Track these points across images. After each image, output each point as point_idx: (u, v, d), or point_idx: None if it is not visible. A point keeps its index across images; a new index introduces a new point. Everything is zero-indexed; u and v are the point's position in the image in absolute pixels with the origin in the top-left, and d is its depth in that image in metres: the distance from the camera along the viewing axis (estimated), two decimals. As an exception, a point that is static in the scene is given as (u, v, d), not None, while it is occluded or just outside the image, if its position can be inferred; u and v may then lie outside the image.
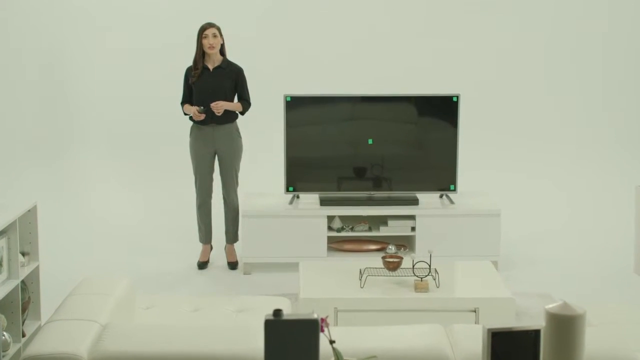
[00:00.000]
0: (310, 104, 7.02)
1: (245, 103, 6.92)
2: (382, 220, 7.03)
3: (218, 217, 7.21)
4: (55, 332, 3.76)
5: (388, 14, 8.38)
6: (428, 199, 7.12)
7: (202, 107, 6.76)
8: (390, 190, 7.07)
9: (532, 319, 5.90)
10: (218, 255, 7.21)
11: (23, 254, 5.18)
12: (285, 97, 6.96)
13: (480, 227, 6.92)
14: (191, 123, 6.96)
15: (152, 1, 8.31)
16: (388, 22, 8.39)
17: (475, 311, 5.34)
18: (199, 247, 7.19)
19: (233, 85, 6.89)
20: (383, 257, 5.64)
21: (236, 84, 6.90)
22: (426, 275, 5.51)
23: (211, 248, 7.19)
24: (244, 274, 6.93)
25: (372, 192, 7.08)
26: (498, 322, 3.09)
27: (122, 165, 8.39)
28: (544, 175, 8.44)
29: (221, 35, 6.83)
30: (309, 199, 7.13)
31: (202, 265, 7.08)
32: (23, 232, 5.18)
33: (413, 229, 6.95)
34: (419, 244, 6.90)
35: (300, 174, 7.04)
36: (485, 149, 8.44)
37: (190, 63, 6.92)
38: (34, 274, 5.28)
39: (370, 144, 7.02)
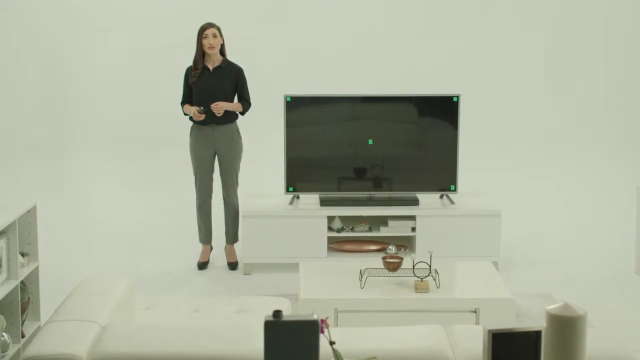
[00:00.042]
0: (310, 104, 7.01)
1: (246, 103, 6.91)
2: (383, 221, 7.03)
3: (218, 217, 7.21)
4: (55, 333, 3.76)
5: (388, 14, 8.38)
6: (428, 199, 7.11)
7: (202, 108, 6.76)
8: (391, 190, 7.06)
9: (533, 320, 5.89)
10: (218, 256, 7.20)
11: (23, 255, 5.18)
12: (285, 97, 6.96)
13: (481, 227, 6.91)
14: (191, 123, 6.95)
15: (152, 1, 8.30)
16: (388, 22, 8.38)
17: (475, 312, 5.33)
18: (199, 247, 7.19)
19: (233, 86, 6.89)
20: (383, 258, 5.64)
21: (236, 84, 6.89)
22: (426, 276, 5.50)
23: (211, 248, 7.18)
24: (244, 274, 6.92)
25: (372, 193, 7.07)
26: (498, 322, 3.08)
27: (122, 166, 8.39)
28: (544, 175, 8.44)
29: (221, 35, 6.82)
30: (309, 200, 7.13)
31: (202, 265, 7.07)
32: (23, 233, 5.18)
33: (413, 229, 6.94)
34: (419, 244, 6.90)
35: (300, 174, 7.04)
36: (485, 149, 8.44)
37: (190, 63, 6.91)
38: (34, 275, 5.27)
39: (371, 144, 7.01)
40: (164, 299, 4.97)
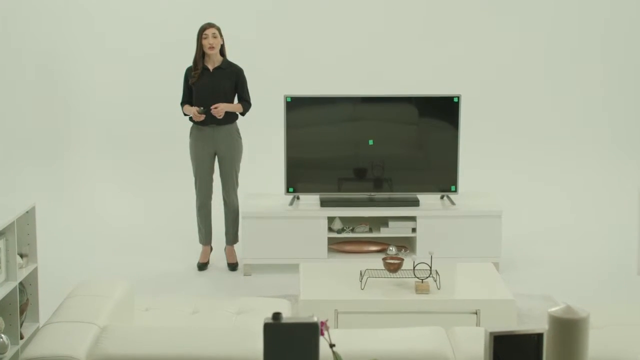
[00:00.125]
0: (311, 104, 7.00)
1: (246, 104, 6.90)
2: (383, 222, 7.01)
3: (218, 218, 7.19)
4: (54, 335, 3.74)
5: (388, 14, 8.36)
6: (429, 200, 7.10)
7: (202, 108, 6.74)
8: (391, 191, 7.05)
9: (534, 321, 5.88)
10: (218, 257, 7.19)
11: (21, 256, 5.16)
12: (286, 97, 6.94)
13: (481, 228, 6.90)
14: (191, 124, 6.94)
15: (152, 1, 8.29)
16: (388, 22, 8.37)
17: (476, 313, 5.31)
18: (199, 248, 7.17)
19: (233, 86, 6.87)
20: (384, 259, 5.62)
21: (236, 85, 6.88)
22: (427, 277, 5.49)
23: (211, 249, 7.17)
24: (244, 275, 6.91)
25: (372, 193, 7.06)
26: (499, 324, 3.07)
27: (121, 166, 8.37)
28: (544, 176, 8.42)
29: (221, 35, 6.81)
30: (310, 200, 7.11)
31: (202, 266, 7.06)
32: (21, 234, 5.17)
33: (414, 230, 6.93)
34: (419, 245, 6.88)
35: (300, 175, 7.02)
36: (486, 150, 8.42)
37: (190, 63, 6.90)
38: (33, 276, 5.26)
39: (371, 145, 7.00)
40: (163, 300, 4.95)
